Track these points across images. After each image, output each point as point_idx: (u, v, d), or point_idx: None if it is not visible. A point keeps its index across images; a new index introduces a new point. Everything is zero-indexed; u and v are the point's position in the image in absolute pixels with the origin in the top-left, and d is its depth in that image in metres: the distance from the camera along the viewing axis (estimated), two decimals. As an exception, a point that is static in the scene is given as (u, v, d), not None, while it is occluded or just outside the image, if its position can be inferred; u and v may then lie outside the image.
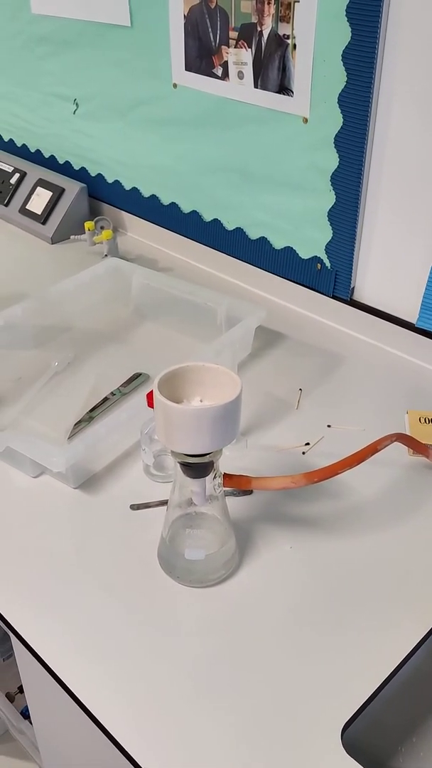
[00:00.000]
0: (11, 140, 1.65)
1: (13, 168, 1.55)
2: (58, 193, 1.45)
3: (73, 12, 1.30)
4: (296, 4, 0.95)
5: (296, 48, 0.98)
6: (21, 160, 1.58)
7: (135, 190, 1.40)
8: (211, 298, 1.08)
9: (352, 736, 0.63)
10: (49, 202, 1.45)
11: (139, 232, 1.45)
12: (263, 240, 1.21)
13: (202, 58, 1.12)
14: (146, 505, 0.83)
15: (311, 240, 1.13)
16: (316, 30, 0.95)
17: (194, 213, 1.30)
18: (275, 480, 0.74)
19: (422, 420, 0.93)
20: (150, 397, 0.83)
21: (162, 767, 0.58)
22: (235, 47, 1.06)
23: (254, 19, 1.01)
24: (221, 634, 0.69)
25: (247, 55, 1.05)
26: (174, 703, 0.63)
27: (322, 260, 1.13)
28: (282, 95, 1.04)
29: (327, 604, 0.71)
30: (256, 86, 1.07)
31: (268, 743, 0.60)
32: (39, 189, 1.48)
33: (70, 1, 1.29)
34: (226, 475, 0.74)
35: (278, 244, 1.19)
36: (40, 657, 0.67)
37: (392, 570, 0.75)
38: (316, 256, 1.14)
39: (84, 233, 1.40)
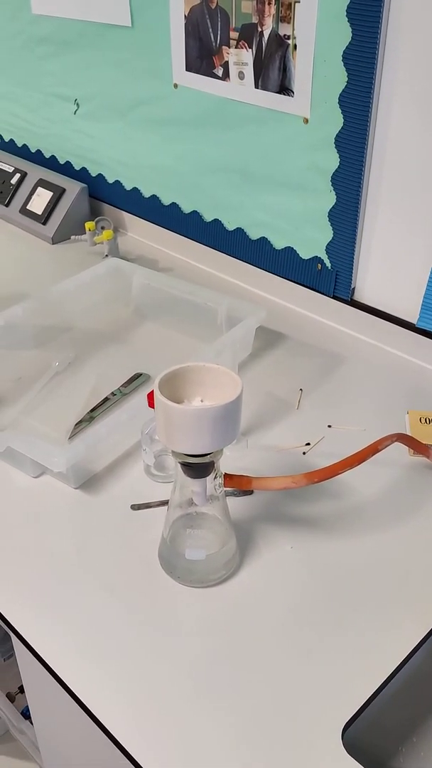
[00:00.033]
0: (12, 140, 1.65)
1: (13, 168, 1.55)
2: (58, 193, 1.45)
3: (73, 12, 1.30)
4: (297, 4, 0.95)
5: (297, 48, 0.98)
6: (22, 160, 1.58)
7: (135, 190, 1.41)
8: (212, 298, 1.08)
9: (353, 736, 0.63)
10: (49, 202, 1.45)
11: (139, 233, 1.45)
12: (264, 240, 1.21)
13: (203, 58, 1.12)
14: (147, 505, 0.83)
15: (312, 240, 1.13)
16: (317, 30, 0.95)
17: (195, 213, 1.31)
18: (276, 480, 0.74)
19: (423, 420, 0.93)
20: (151, 397, 0.83)
21: (162, 767, 0.58)
22: (236, 47, 1.06)
23: (255, 20, 1.02)
24: (222, 635, 0.69)
25: (247, 56, 1.05)
26: (174, 703, 0.63)
27: (322, 260, 1.13)
28: (282, 95, 1.04)
29: (327, 604, 0.71)
30: (256, 86, 1.07)
31: (269, 743, 0.60)
32: (39, 189, 1.48)
33: (71, 2, 1.29)
34: (226, 475, 0.74)
35: (279, 244, 1.19)
36: (40, 657, 0.67)
37: (393, 570, 0.75)
38: (316, 257, 1.14)
39: (84, 233, 1.40)
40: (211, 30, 1.08)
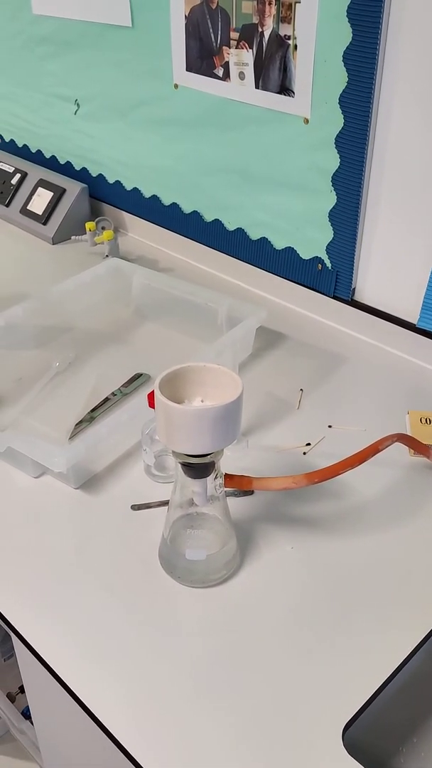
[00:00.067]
0: (12, 141, 1.65)
1: (14, 168, 1.55)
2: (59, 193, 1.45)
3: (74, 12, 1.30)
4: (297, 4, 0.95)
5: (297, 48, 0.99)
6: (22, 160, 1.58)
7: (136, 190, 1.41)
8: (212, 298, 1.08)
9: (353, 736, 0.63)
10: (50, 202, 1.45)
11: (140, 233, 1.45)
12: (264, 240, 1.21)
13: (203, 58, 1.12)
14: (147, 506, 0.83)
15: (312, 240, 1.13)
16: (317, 31, 0.95)
17: (195, 213, 1.31)
18: (276, 480, 0.74)
19: (423, 420, 0.93)
20: (151, 397, 0.83)
21: (162, 767, 0.58)
22: (236, 48, 1.06)
23: (255, 20, 1.02)
24: (222, 635, 0.69)
25: (248, 56, 1.05)
26: (174, 703, 0.63)
27: (322, 260, 1.13)
28: (283, 96, 1.04)
29: (328, 605, 0.71)
30: (257, 87, 1.07)
31: (269, 743, 0.60)
32: (40, 189, 1.48)
33: (71, 2, 1.29)
34: (227, 476, 0.74)
35: (279, 244, 1.19)
36: (41, 657, 0.67)
37: (393, 570, 0.75)
38: (316, 257, 1.14)
39: (85, 234, 1.40)
40: (211, 30, 1.09)
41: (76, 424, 0.93)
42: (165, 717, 0.62)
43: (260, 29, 1.02)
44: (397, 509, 0.82)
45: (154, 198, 1.37)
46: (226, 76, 1.10)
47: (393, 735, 0.72)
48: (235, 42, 1.06)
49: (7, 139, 1.67)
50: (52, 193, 1.46)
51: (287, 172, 1.11)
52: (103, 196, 1.49)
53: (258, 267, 1.24)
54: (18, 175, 1.54)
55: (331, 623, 0.70)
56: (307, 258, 1.15)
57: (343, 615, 0.70)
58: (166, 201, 1.35)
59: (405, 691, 0.70)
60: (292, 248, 1.17)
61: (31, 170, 1.53)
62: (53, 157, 1.56)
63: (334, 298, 1.14)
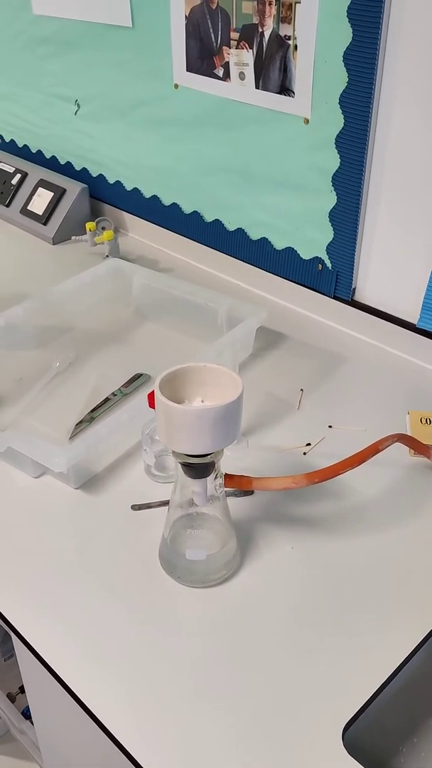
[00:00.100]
0: (12, 141, 1.65)
1: (14, 168, 1.55)
2: (59, 193, 1.45)
3: (74, 13, 1.30)
4: (297, 5, 0.95)
5: (297, 49, 0.99)
6: (22, 160, 1.58)
7: (136, 190, 1.41)
8: (212, 298, 1.08)
9: (353, 736, 0.63)
10: (50, 202, 1.45)
11: (140, 233, 1.45)
12: (264, 240, 1.21)
13: (204, 58, 1.12)
14: (147, 506, 0.83)
15: (312, 240, 1.13)
16: (318, 31, 0.95)
17: (195, 213, 1.31)
18: (276, 480, 0.74)
19: (423, 420, 0.93)
20: (151, 397, 0.83)
21: (162, 767, 0.58)
22: (237, 48, 1.06)
23: (255, 20, 1.02)
24: (222, 635, 0.69)
25: (248, 56, 1.05)
26: (174, 703, 0.63)
27: (323, 261, 1.13)
28: (283, 96, 1.04)
29: (328, 605, 0.71)
30: (257, 87, 1.07)
31: (269, 743, 0.60)
32: (40, 190, 1.48)
33: (72, 2, 1.29)
34: (227, 476, 0.74)
35: (279, 244, 1.19)
36: (41, 657, 0.67)
37: (393, 570, 0.75)
38: (317, 257, 1.14)
39: (85, 234, 1.40)
40: (211, 30, 1.09)
41: (77, 424, 0.93)
42: (165, 717, 0.62)
43: (260, 29, 1.02)
44: (397, 509, 0.82)
45: (155, 198, 1.37)
46: (227, 76, 1.10)
47: (393, 735, 0.72)
48: (236, 42, 1.06)
49: (7, 140, 1.67)
50: (52, 194, 1.46)
51: (287, 172, 1.11)
52: (104, 196, 1.49)
53: (258, 267, 1.24)
54: (18, 176, 1.54)
55: (331, 623, 0.70)
56: (307, 258, 1.15)
57: (343, 615, 0.70)
58: (167, 201, 1.35)
59: (405, 691, 0.70)
60: (293, 248, 1.17)
61: (31, 170, 1.53)
62: (53, 157, 1.56)
63: (335, 298, 1.14)
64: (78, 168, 1.52)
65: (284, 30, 0.99)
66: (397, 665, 0.66)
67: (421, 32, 0.87)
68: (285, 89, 1.03)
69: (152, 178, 1.36)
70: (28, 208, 1.48)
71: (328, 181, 1.05)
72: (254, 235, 1.22)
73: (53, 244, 1.44)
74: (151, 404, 0.83)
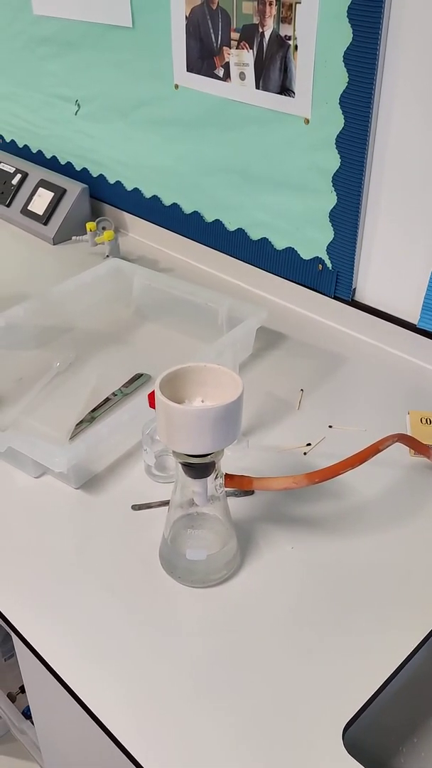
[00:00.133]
0: (13, 141, 1.66)
1: (14, 169, 1.55)
2: (59, 193, 1.45)
3: (74, 13, 1.30)
4: (298, 5, 0.95)
5: (298, 49, 0.99)
6: (23, 160, 1.58)
7: (136, 190, 1.41)
8: (213, 298, 1.08)
9: (354, 736, 0.63)
10: (50, 202, 1.45)
11: (140, 233, 1.45)
12: (264, 240, 1.21)
13: (204, 59, 1.12)
14: (148, 506, 0.83)
15: (312, 240, 1.13)
16: (318, 31, 0.95)
17: (196, 214, 1.31)
18: (277, 480, 0.74)
19: (423, 420, 0.93)
20: (151, 397, 0.83)
21: (162, 767, 0.59)
22: (237, 48, 1.06)
23: (256, 20, 1.02)
24: (222, 635, 0.69)
25: (248, 56, 1.05)
26: (175, 703, 0.63)
27: (323, 261, 1.13)
28: (283, 96, 1.04)
29: (328, 605, 0.72)
30: (257, 87, 1.07)
31: (269, 743, 0.60)
32: (41, 190, 1.48)
33: (72, 2, 1.29)
34: (227, 476, 0.74)
35: (279, 244, 1.19)
36: (41, 657, 0.67)
37: (393, 570, 0.75)
38: (317, 257, 1.14)
39: (85, 234, 1.40)
40: (212, 31, 1.09)
41: (77, 424, 0.94)
42: (165, 717, 0.62)
43: (261, 29, 1.02)
44: (398, 509, 0.82)
45: (155, 198, 1.37)
46: (227, 76, 1.10)
47: (393, 735, 0.72)
48: (236, 42, 1.06)
49: (7, 140, 1.67)
50: (52, 194, 1.46)
51: (288, 173, 1.11)
52: (104, 196, 1.49)
53: (258, 267, 1.24)
54: (19, 176, 1.54)
55: (331, 623, 0.70)
56: (307, 258, 1.15)
57: (344, 615, 0.70)
58: (167, 201, 1.35)
59: (405, 691, 0.70)
60: (293, 248, 1.17)
61: (31, 170, 1.53)
62: (54, 157, 1.56)
63: (335, 298, 1.14)
64: (78, 168, 1.52)
65: (284, 30, 0.99)
66: (397, 665, 0.66)
67: (421, 32, 0.87)
68: (285, 89, 1.03)
69: (152, 179, 1.36)
70: (28, 208, 1.48)
71: (328, 181, 1.05)
72: (254, 235, 1.22)
73: (54, 244, 1.44)
74: (152, 404, 0.83)
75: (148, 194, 1.39)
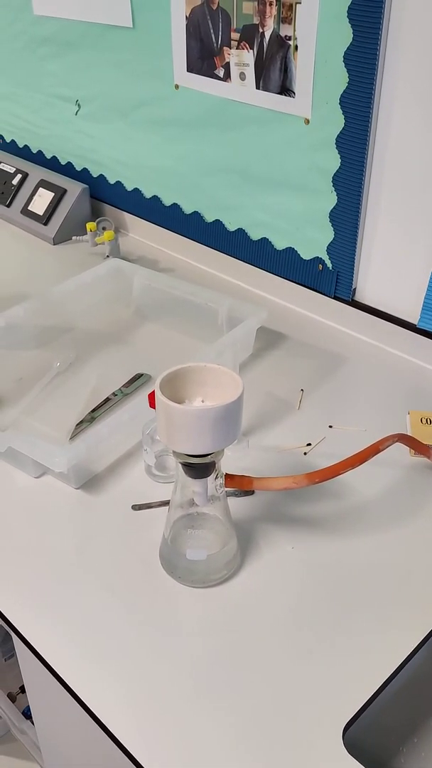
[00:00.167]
0: (13, 141, 1.66)
1: (15, 169, 1.55)
2: (59, 194, 1.45)
3: (74, 13, 1.30)
4: (298, 5, 0.95)
5: (298, 49, 0.99)
6: (23, 161, 1.58)
7: (137, 190, 1.41)
8: (213, 298, 1.08)
9: (354, 736, 0.63)
10: (50, 203, 1.45)
11: (140, 233, 1.45)
12: (265, 241, 1.21)
13: (204, 59, 1.12)
14: (148, 506, 0.83)
15: (313, 241, 1.13)
16: (318, 31, 0.95)
17: (196, 214, 1.31)
18: (277, 480, 0.74)
19: (424, 420, 0.93)
20: (152, 397, 0.83)
21: (162, 767, 0.59)
22: (237, 48, 1.06)
23: (256, 21, 1.02)
24: (222, 635, 0.69)
25: (248, 56, 1.06)
26: (175, 703, 0.63)
27: (323, 261, 1.13)
28: (283, 96, 1.04)
29: (328, 605, 0.72)
30: (257, 87, 1.07)
31: (269, 743, 0.60)
32: (41, 190, 1.48)
33: (72, 3, 1.29)
34: (227, 476, 0.74)
35: (280, 244, 1.19)
36: (41, 657, 0.67)
37: (393, 570, 0.75)
38: (317, 257, 1.14)
39: (86, 234, 1.40)
40: (212, 31, 1.09)
41: (77, 424, 0.94)
42: (165, 717, 0.62)
43: (261, 30, 1.02)
44: (398, 509, 0.82)
45: (155, 198, 1.37)
46: (227, 76, 1.10)
47: (393, 735, 0.72)
48: (236, 42, 1.06)
49: (8, 140, 1.67)
50: (53, 194, 1.46)
51: (288, 173, 1.11)
52: (104, 196, 1.49)
53: (258, 267, 1.24)
54: (19, 176, 1.54)
55: (331, 623, 0.70)
56: (307, 258, 1.15)
57: (343, 615, 0.70)
58: (167, 201, 1.35)
59: (405, 691, 0.70)
60: (293, 248, 1.17)
61: (32, 171, 1.53)
62: (54, 157, 1.56)
63: (335, 298, 1.14)
64: (78, 168, 1.52)
65: (285, 30, 0.99)
66: (397, 665, 0.66)
67: (421, 32, 0.87)
68: (285, 89, 1.03)
69: (153, 179, 1.36)
70: (28, 208, 1.48)
71: (328, 182, 1.05)
72: (255, 235, 1.22)
73: (54, 245, 1.44)
74: (152, 404, 0.83)
75: (148, 194, 1.39)
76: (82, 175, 1.51)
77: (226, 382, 0.65)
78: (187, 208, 1.32)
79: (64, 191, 1.45)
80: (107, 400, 0.98)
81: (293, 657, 0.67)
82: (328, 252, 1.12)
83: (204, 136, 1.21)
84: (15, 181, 1.54)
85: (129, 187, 1.42)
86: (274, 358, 1.08)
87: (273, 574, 0.75)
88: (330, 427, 0.94)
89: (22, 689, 1.25)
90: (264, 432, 0.94)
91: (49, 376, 1.03)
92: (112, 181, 1.45)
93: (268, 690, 0.64)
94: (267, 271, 1.23)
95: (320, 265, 1.14)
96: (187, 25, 1.12)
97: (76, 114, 1.44)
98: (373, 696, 0.63)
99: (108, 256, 1.33)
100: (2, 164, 1.58)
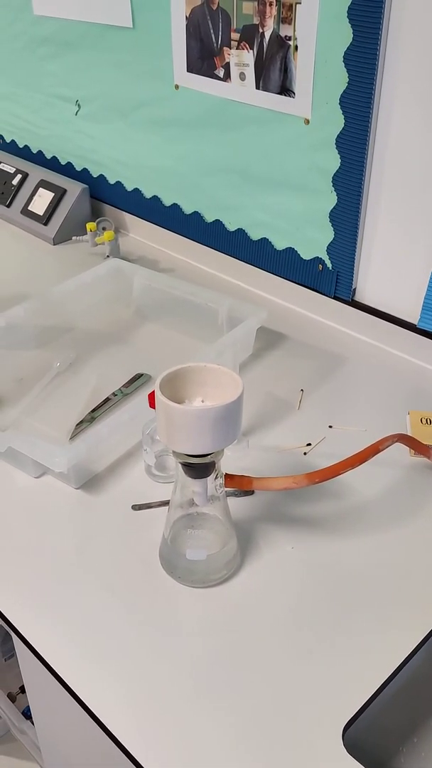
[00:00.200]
0: (13, 141, 1.66)
1: (15, 169, 1.55)
2: (60, 194, 1.45)
3: (74, 13, 1.30)
4: (298, 5, 0.95)
5: (298, 49, 0.99)
6: (23, 161, 1.58)
7: (137, 191, 1.41)
8: (213, 298, 1.08)
9: (354, 736, 0.63)
10: (51, 203, 1.45)
11: (140, 233, 1.45)
12: (265, 241, 1.21)
13: (204, 59, 1.12)
14: (148, 506, 0.83)
15: (313, 241, 1.13)
16: (318, 31, 0.95)
17: (196, 214, 1.31)
18: (277, 480, 0.74)
19: (423, 421, 0.93)
20: (152, 397, 0.83)
21: (162, 767, 0.59)
22: (237, 48, 1.06)
23: (256, 21, 1.02)
24: (222, 635, 0.69)
25: (248, 57, 1.06)
26: (175, 703, 0.63)
27: (323, 261, 1.13)
28: (283, 96, 1.04)
29: (328, 605, 0.72)
30: (257, 87, 1.07)
31: (269, 743, 0.60)
32: (41, 190, 1.48)
33: (72, 3, 1.29)
34: (227, 476, 0.74)
35: (280, 244, 1.19)
36: (41, 657, 0.67)
37: (393, 570, 0.75)
38: (317, 257, 1.14)
39: (86, 234, 1.40)
40: (212, 31, 1.09)
41: (77, 424, 0.94)
42: (165, 717, 0.62)
43: (261, 30, 1.02)
44: (398, 509, 0.82)
45: (155, 198, 1.37)
46: (227, 76, 1.10)
47: (393, 735, 0.72)
48: (236, 43, 1.06)
49: (8, 140, 1.67)
50: (53, 194, 1.46)
51: (288, 173, 1.11)
52: (104, 196, 1.49)
53: (258, 267, 1.24)
54: (19, 176, 1.54)
55: (331, 623, 0.70)
56: (307, 258, 1.15)
57: (343, 615, 0.70)
58: (167, 201, 1.35)
59: (405, 691, 0.70)
60: (293, 249, 1.17)
61: (32, 171, 1.53)
62: (54, 157, 1.56)
63: (335, 298, 1.14)
64: (78, 168, 1.52)
65: (285, 30, 0.99)
66: (397, 665, 0.66)
67: (421, 32, 0.87)
68: (285, 90, 1.03)
69: (153, 179, 1.36)
70: (28, 208, 1.48)
71: (328, 182, 1.05)
72: (255, 235, 1.22)
73: (54, 245, 1.44)
74: (152, 404, 0.83)
75: (148, 194, 1.39)
76: (82, 175, 1.51)
77: (226, 382, 0.65)
78: (187, 208, 1.32)
79: (64, 191, 1.45)
80: (107, 400, 0.98)
81: (293, 657, 0.67)
82: (328, 252, 1.12)
83: (204, 136, 1.21)
84: (15, 181, 1.54)
85: (129, 187, 1.42)
86: (274, 358, 1.08)
87: (273, 574, 0.75)
88: (330, 427, 0.94)
89: (22, 689, 1.25)
90: (264, 432, 0.94)
91: (49, 376, 1.03)
92: (112, 181, 1.45)
93: (268, 690, 0.64)
94: (267, 271, 1.23)
95: (320, 265, 1.14)
96: (187, 25, 1.12)
97: (76, 114, 1.44)
98: (372, 696, 0.63)
99: (108, 256, 1.33)
100: (2, 164, 1.58)
